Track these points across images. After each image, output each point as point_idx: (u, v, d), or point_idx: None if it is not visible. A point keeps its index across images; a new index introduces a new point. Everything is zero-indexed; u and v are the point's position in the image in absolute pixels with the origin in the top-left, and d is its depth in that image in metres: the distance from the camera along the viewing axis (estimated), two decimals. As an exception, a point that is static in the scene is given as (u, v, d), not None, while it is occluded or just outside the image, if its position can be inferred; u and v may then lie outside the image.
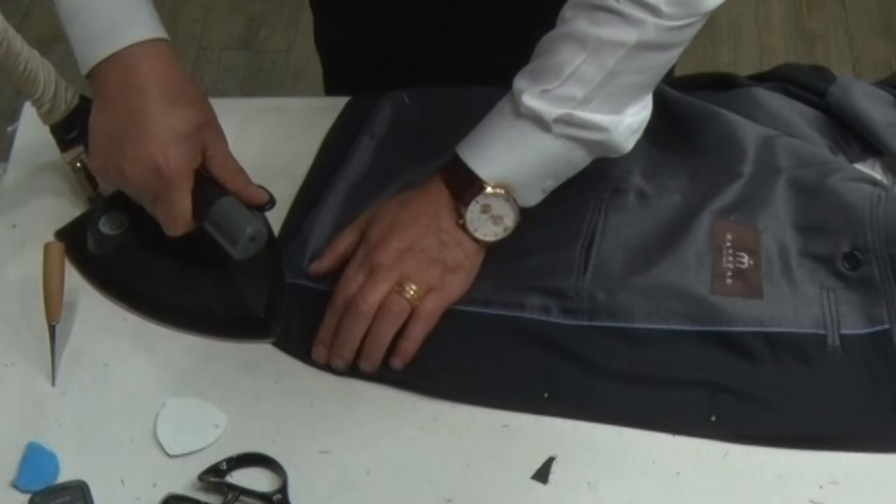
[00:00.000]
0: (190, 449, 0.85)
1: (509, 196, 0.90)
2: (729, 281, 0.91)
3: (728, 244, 0.93)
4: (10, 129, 1.05)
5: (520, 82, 0.89)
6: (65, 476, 0.83)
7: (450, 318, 0.91)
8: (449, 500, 0.83)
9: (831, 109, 1.04)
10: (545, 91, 0.87)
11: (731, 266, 0.92)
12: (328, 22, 1.24)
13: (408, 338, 0.88)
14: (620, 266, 0.93)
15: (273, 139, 1.07)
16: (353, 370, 0.89)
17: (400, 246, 0.90)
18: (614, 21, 0.84)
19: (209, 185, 0.89)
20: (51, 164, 1.03)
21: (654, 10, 0.83)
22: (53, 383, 0.89)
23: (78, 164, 0.97)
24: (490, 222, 0.91)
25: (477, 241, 0.92)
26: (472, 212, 0.90)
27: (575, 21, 0.86)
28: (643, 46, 0.85)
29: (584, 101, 0.87)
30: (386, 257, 0.89)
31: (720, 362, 0.88)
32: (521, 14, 1.10)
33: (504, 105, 0.90)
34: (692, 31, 0.87)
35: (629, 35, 0.84)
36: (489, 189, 0.89)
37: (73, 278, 0.95)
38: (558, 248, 0.94)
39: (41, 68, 0.91)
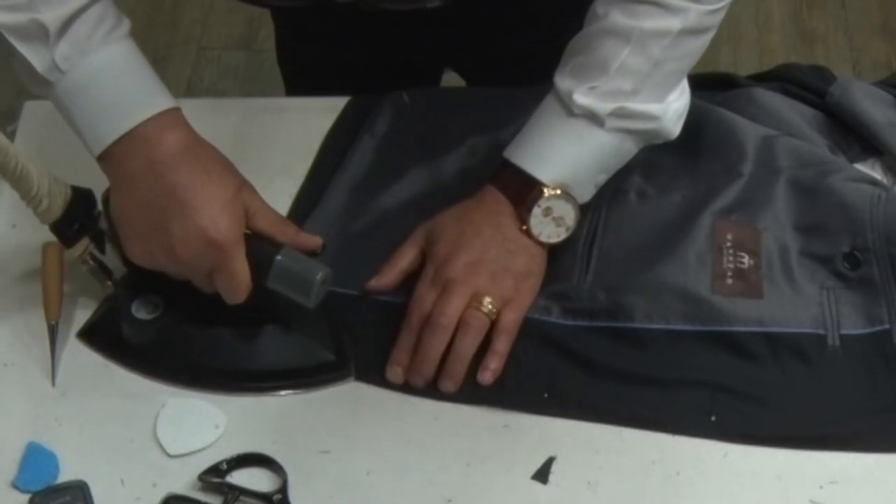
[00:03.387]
0: (190, 449, 0.85)
1: (568, 196, 0.90)
2: (729, 281, 0.91)
3: (728, 244, 0.93)
4: (10, 129, 1.05)
5: (564, 82, 0.89)
6: (65, 476, 0.83)
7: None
8: (449, 500, 0.83)
9: (831, 109, 1.04)
10: (593, 87, 0.87)
11: (731, 266, 0.92)
12: (296, 38, 1.23)
13: (495, 353, 0.88)
14: (621, 266, 0.93)
15: (273, 139, 1.07)
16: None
17: (469, 259, 0.89)
18: (655, 12, 0.85)
19: (257, 242, 0.86)
20: (51, 165, 1.02)
21: None
22: (53, 383, 0.89)
23: (89, 257, 0.90)
24: (552, 224, 0.91)
25: (541, 244, 0.92)
26: (536, 216, 0.90)
27: (611, 16, 0.87)
28: (686, 33, 0.86)
29: (633, 93, 0.87)
30: (457, 272, 0.88)
31: (720, 362, 0.88)
32: (500, 27, 1.10)
33: (551, 107, 0.90)
34: (723, 14, 0.89)
35: (673, 23, 0.85)
36: (548, 192, 0.89)
37: (74, 278, 0.95)
38: (560, 250, 0.94)
39: (31, 163, 0.84)
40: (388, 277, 0.92)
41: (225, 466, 0.83)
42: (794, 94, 1.06)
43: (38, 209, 0.86)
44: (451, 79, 1.32)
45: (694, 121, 1.01)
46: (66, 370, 0.90)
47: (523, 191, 0.90)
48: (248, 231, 0.86)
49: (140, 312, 0.92)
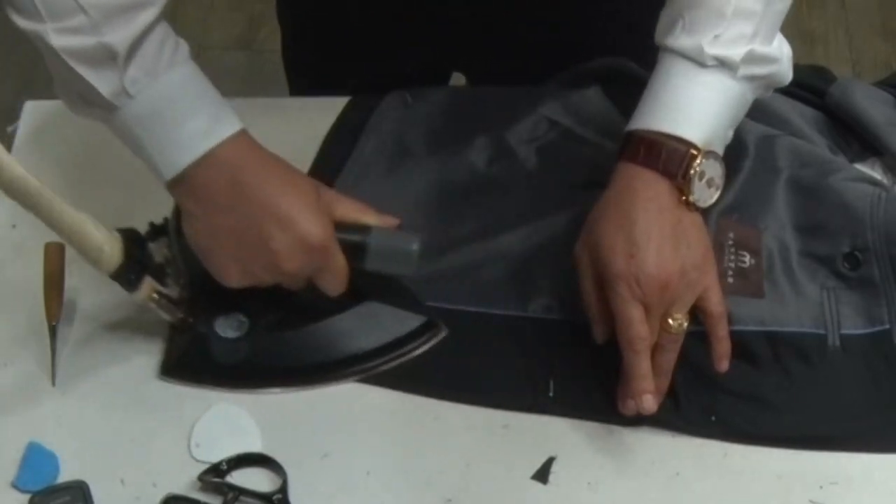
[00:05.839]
0: (214, 459, 0.84)
1: (717, 154, 0.87)
2: (730, 280, 0.91)
3: (730, 243, 0.93)
4: (10, 129, 1.04)
5: (682, 39, 0.86)
6: (65, 476, 0.83)
7: (451, 318, 0.91)
8: (449, 500, 0.83)
9: (831, 109, 1.05)
10: (717, 36, 0.85)
11: (732, 265, 0.92)
12: (304, 46, 1.23)
13: (720, 338, 0.86)
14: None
15: (273, 139, 1.06)
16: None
17: (653, 271, 0.83)
18: None
19: (345, 231, 0.86)
20: (51, 164, 1.02)
21: None
22: (53, 383, 0.89)
23: (155, 295, 0.87)
24: (706, 187, 0.87)
25: (698, 210, 0.87)
26: (695, 183, 0.85)
27: None
28: None
29: (754, 36, 0.86)
30: (650, 288, 0.83)
31: (721, 362, 0.88)
32: (509, 25, 1.10)
33: (674, 67, 0.86)
34: None
35: None
36: (699, 154, 0.85)
37: (74, 278, 0.94)
38: (564, 248, 0.94)
39: (81, 213, 0.81)
40: (601, 327, 0.87)
41: (225, 466, 0.83)
42: (794, 94, 1.06)
43: (101, 258, 0.82)
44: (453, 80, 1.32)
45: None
46: (66, 370, 0.90)
47: (674, 159, 0.84)
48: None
49: (228, 332, 0.90)
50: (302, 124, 1.07)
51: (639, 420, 0.86)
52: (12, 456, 0.84)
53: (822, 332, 0.89)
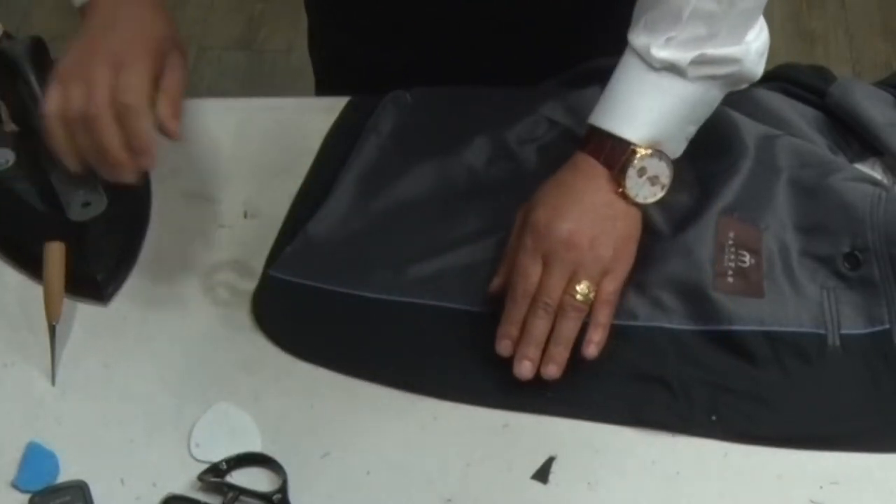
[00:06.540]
0: (214, 459, 0.84)
1: (661, 153, 0.89)
2: (730, 279, 0.91)
3: (731, 242, 0.93)
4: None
5: (640, 38, 0.88)
6: (65, 476, 0.83)
7: (451, 318, 0.91)
8: (449, 500, 0.83)
9: (831, 109, 1.05)
10: (670, 38, 0.87)
11: (732, 265, 0.92)
12: (327, 26, 1.24)
13: (598, 325, 0.88)
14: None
15: (273, 139, 1.07)
16: (355, 370, 0.89)
17: (569, 226, 0.88)
18: None
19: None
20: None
21: None
22: (53, 383, 0.89)
23: None
24: (648, 184, 0.90)
25: (638, 205, 0.91)
26: (631, 178, 0.89)
27: None
28: None
29: (710, 38, 0.87)
30: (557, 242, 0.88)
31: (720, 362, 0.88)
32: (523, 20, 1.10)
33: (630, 65, 0.89)
34: None
35: None
36: (641, 151, 0.89)
37: (73, 278, 0.95)
38: None
39: None
40: (501, 279, 0.91)
41: (225, 466, 0.83)
42: (794, 94, 1.06)
43: None
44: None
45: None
46: (66, 370, 0.90)
47: (615, 153, 0.89)
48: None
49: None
50: (302, 124, 1.07)
51: (639, 420, 0.86)
52: (12, 456, 0.84)
53: (821, 331, 0.89)
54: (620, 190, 0.90)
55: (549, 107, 1.04)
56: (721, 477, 0.83)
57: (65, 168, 0.88)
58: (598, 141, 0.90)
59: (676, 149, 0.92)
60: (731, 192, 0.96)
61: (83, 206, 0.94)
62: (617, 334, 0.89)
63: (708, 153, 1.00)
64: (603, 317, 0.88)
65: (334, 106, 1.09)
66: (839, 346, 0.89)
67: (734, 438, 0.85)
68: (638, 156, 0.89)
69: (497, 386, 0.88)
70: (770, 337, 0.88)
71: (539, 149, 1.02)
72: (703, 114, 0.92)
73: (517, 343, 0.87)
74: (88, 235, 0.95)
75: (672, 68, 0.88)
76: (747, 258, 0.92)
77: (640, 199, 0.91)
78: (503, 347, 0.88)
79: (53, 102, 0.85)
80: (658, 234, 0.95)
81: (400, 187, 1.00)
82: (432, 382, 0.88)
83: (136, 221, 1.00)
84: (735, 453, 0.85)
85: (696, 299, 0.90)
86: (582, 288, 0.87)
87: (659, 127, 0.89)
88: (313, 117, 1.08)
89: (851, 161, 1.01)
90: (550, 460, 0.85)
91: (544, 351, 0.87)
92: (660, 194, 0.91)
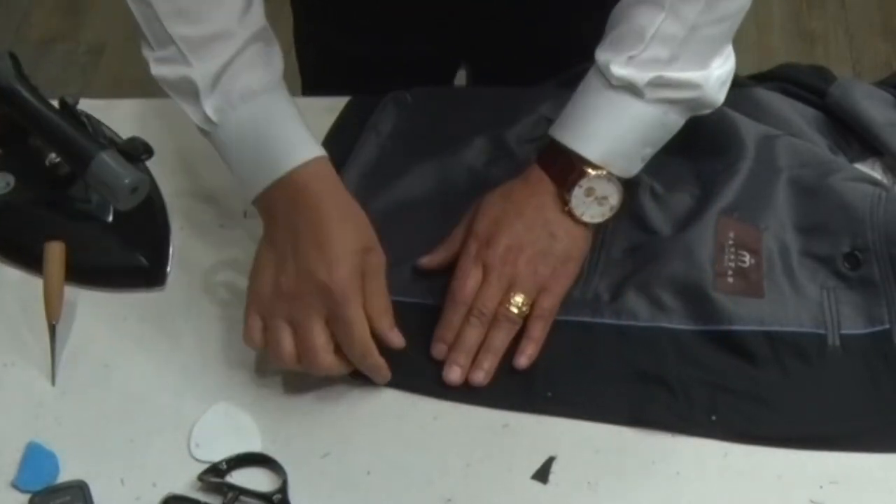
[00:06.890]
0: (214, 459, 0.84)
1: (611, 175, 0.89)
2: (730, 279, 0.91)
3: (731, 242, 0.93)
4: None
5: (603, 54, 0.88)
6: (65, 476, 0.83)
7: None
8: (449, 500, 0.83)
9: (831, 109, 1.05)
10: (631, 58, 0.87)
11: (732, 265, 0.92)
12: (314, 21, 1.23)
13: (530, 339, 0.88)
14: (627, 265, 0.93)
15: (273, 139, 1.07)
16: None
17: (508, 242, 0.89)
18: None
19: (81, 137, 0.90)
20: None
21: None
22: (53, 383, 0.89)
23: None
24: (595, 204, 0.90)
25: (584, 224, 0.91)
26: (577, 196, 0.90)
27: None
28: None
29: (670, 61, 0.87)
30: (496, 256, 0.89)
31: (720, 362, 0.88)
32: (515, 19, 1.10)
33: (591, 81, 0.90)
34: None
35: None
36: (591, 172, 0.89)
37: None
38: None
39: None
40: (439, 256, 0.93)
41: (225, 466, 0.83)
42: (794, 94, 1.06)
43: None
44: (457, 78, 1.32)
45: (697, 119, 1.02)
46: (66, 370, 0.90)
47: (565, 170, 0.90)
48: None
49: None
50: (302, 124, 1.07)
51: (639, 420, 0.86)
52: (12, 456, 0.85)
53: (821, 331, 0.89)
54: (567, 208, 0.90)
55: (548, 107, 1.04)
56: (721, 477, 0.83)
57: (113, 154, 0.88)
58: (553, 154, 0.91)
59: (629, 168, 0.91)
60: (731, 192, 0.96)
61: (132, 192, 0.89)
62: (617, 334, 0.90)
63: (708, 153, 1.00)
64: (536, 331, 0.89)
65: (334, 106, 1.09)
66: (839, 346, 0.89)
67: (734, 438, 0.85)
68: (586, 176, 0.89)
69: (497, 386, 0.88)
70: (770, 337, 0.88)
71: (539, 149, 1.02)
72: (661, 137, 0.92)
73: (450, 348, 0.88)
74: (131, 223, 0.95)
75: (629, 87, 0.87)
76: (747, 258, 0.92)
77: (586, 219, 0.91)
78: (437, 351, 0.89)
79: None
80: (658, 234, 0.95)
81: (400, 187, 1.00)
82: (432, 382, 0.88)
83: (159, 199, 1.01)
84: (735, 453, 0.85)
85: (696, 299, 0.90)
86: (517, 301, 0.88)
87: (613, 145, 0.89)
88: (313, 117, 1.07)
89: (851, 161, 1.01)
90: (550, 460, 0.85)
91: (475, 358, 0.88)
92: (608, 215, 0.91)
